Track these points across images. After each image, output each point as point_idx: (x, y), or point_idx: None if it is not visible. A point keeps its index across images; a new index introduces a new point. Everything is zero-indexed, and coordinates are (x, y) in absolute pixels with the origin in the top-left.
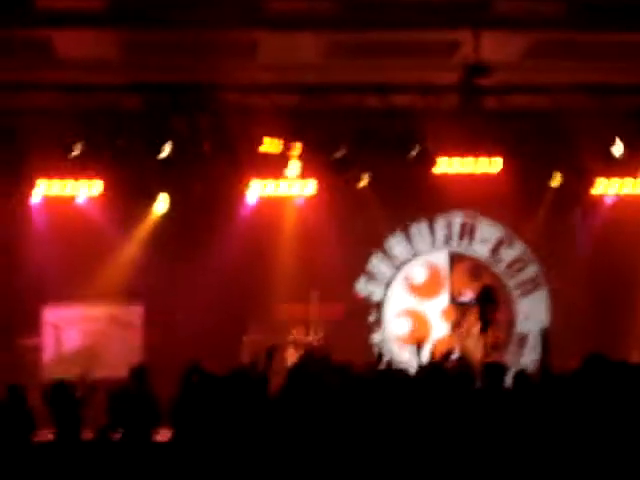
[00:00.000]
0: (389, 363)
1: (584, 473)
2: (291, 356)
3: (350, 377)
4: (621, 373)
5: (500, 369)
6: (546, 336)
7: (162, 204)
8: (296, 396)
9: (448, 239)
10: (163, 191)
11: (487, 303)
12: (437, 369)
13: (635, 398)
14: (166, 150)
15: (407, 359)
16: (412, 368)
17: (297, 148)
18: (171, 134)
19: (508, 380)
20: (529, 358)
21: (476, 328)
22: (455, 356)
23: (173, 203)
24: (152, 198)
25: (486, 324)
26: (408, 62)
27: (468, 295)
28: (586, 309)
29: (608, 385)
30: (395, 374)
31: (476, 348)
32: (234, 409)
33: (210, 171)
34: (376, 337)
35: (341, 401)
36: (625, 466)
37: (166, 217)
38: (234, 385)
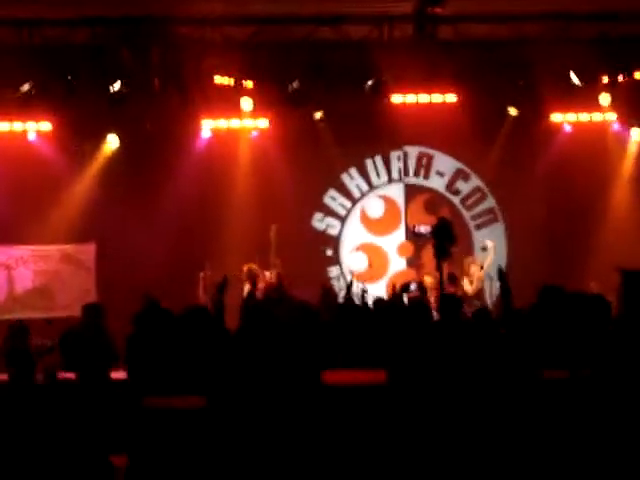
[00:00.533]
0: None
1: (541, 404)
2: (247, 291)
3: (308, 311)
4: (576, 303)
5: (456, 301)
6: (503, 275)
7: (113, 141)
8: (250, 331)
9: (404, 173)
10: (114, 128)
11: (443, 236)
12: (395, 302)
13: (592, 328)
14: (116, 86)
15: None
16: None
17: (250, 82)
18: (122, 70)
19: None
20: (488, 289)
21: (433, 261)
22: (413, 288)
23: (124, 140)
24: (103, 135)
25: (442, 257)
26: None
27: (424, 228)
28: (544, 241)
29: (564, 316)
30: (354, 308)
31: (433, 281)
32: (189, 346)
33: (162, 107)
34: (333, 271)
35: (298, 336)
36: (580, 393)
37: (118, 154)
38: (189, 322)
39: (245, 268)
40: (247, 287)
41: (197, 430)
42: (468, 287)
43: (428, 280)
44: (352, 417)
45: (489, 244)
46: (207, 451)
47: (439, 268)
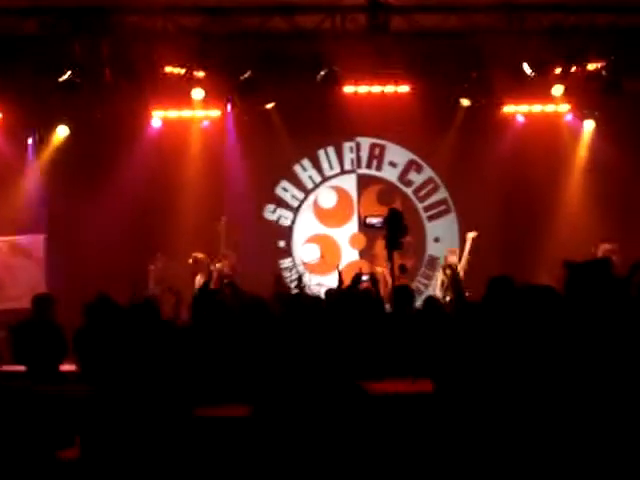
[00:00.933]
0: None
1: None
2: (199, 283)
3: (258, 304)
4: (526, 295)
5: (408, 292)
6: (455, 272)
7: (63, 132)
8: (201, 324)
9: (356, 164)
10: (64, 118)
11: (394, 227)
12: (347, 293)
13: (541, 319)
14: (65, 76)
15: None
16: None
17: (201, 72)
18: (72, 60)
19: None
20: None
21: (385, 252)
22: (365, 279)
23: (75, 130)
24: (53, 125)
25: (393, 248)
26: None
27: (375, 219)
28: (496, 232)
29: (513, 307)
30: (306, 299)
31: (385, 272)
32: (139, 340)
33: (112, 97)
34: (285, 263)
35: (249, 327)
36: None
37: (68, 144)
38: (138, 315)
39: (191, 259)
40: (199, 278)
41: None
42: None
43: (380, 271)
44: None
45: (469, 235)
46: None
47: (390, 259)
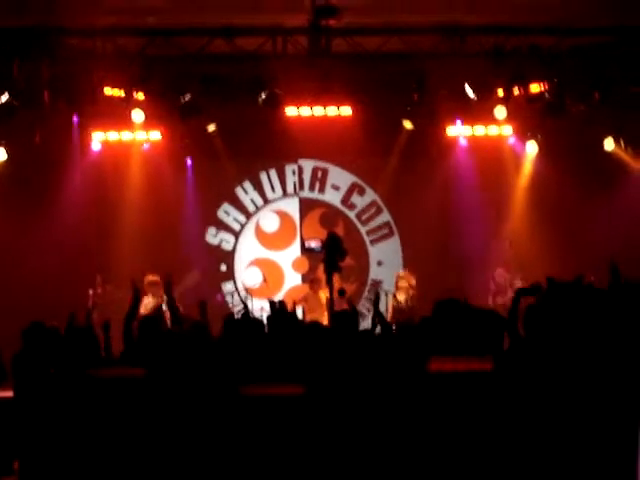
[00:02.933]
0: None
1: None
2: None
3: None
4: (472, 317)
5: (346, 316)
6: (378, 299)
7: (1, 155)
8: (141, 352)
9: (299, 187)
10: (2, 142)
11: (333, 250)
12: (289, 319)
13: (486, 342)
14: (3, 98)
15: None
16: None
17: (141, 93)
18: (10, 82)
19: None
20: (384, 305)
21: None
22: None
23: (12, 153)
24: None
25: (332, 271)
26: (255, 3)
27: (314, 243)
28: (439, 255)
29: (458, 330)
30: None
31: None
32: (75, 364)
33: (51, 119)
34: (227, 286)
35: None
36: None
37: (5, 168)
38: (74, 340)
39: (148, 279)
40: (149, 301)
41: None
42: (401, 298)
43: (322, 295)
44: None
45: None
46: None
47: (329, 282)
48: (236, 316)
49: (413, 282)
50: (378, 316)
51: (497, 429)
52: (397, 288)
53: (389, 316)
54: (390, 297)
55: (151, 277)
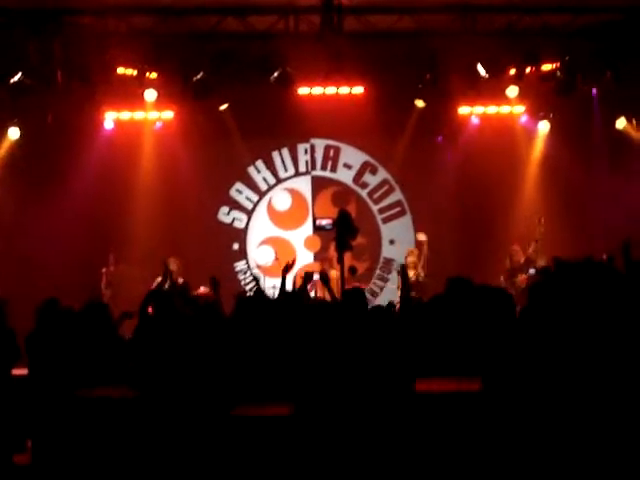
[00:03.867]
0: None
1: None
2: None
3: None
4: (483, 296)
5: (357, 294)
6: (405, 272)
7: (14, 134)
8: (150, 330)
9: (311, 165)
10: (15, 120)
11: (344, 229)
12: (298, 295)
13: (497, 320)
14: (17, 77)
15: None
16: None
17: (154, 73)
18: (24, 61)
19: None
20: (396, 283)
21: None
22: (316, 277)
23: (26, 132)
24: (4, 127)
25: (343, 249)
26: None
27: (325, 222)
28: (451, 234)
29: (470, 307)
30: (258, 300)
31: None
32: (90, 343)
33: (64, 99)
34: (240, 265)
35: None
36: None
37: (19, 146)
38: (88, 319)
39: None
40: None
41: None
42: (410, 274)
43: (334, 274)
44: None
45: (422, 237)
46: None
47: (340, 261)
48: (248, 294)
49: (418, 257)
50: (406, 291)
51: (487, 448)
52: (407, 264)
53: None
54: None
55: (175, 259)
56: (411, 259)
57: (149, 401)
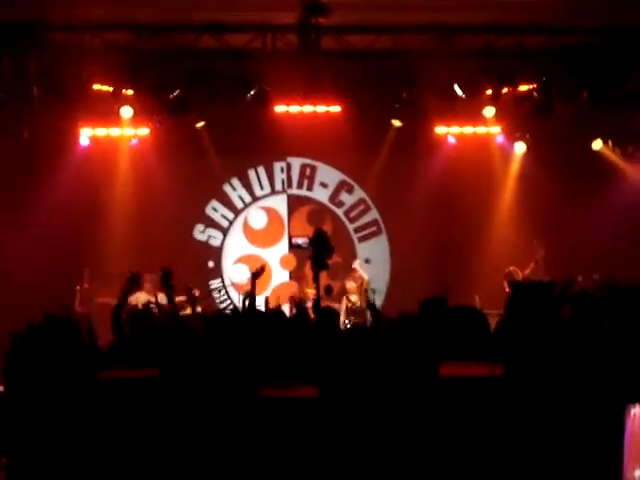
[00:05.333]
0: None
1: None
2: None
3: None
4: (459, 316)
5: (330, 313)
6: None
7: None
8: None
9: (287, 184)
10: None
11: (320, 247)
12: (275, 315)
13: (472, 342)
14: None
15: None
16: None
17: (130, 89)
18: None
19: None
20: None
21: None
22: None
23: (1, 147)
24: None
25: (319, 268)
26: (245, 0)
27: (302, 240)
28: (427, 253)
29: (444, 328)
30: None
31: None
32: (61, 359)
33: (39, 115)
34: (215, 283)
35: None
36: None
37: None
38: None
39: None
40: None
41: None
42: (354, 299)
43: (310, 293)
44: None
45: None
46: None
47: (316, 280)
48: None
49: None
50: (374, 313)
51: (504, 434)
52: (347, 290)
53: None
54: (376, 295)
55: (150, 275)
56: (350, 285)
57: (172, 381)
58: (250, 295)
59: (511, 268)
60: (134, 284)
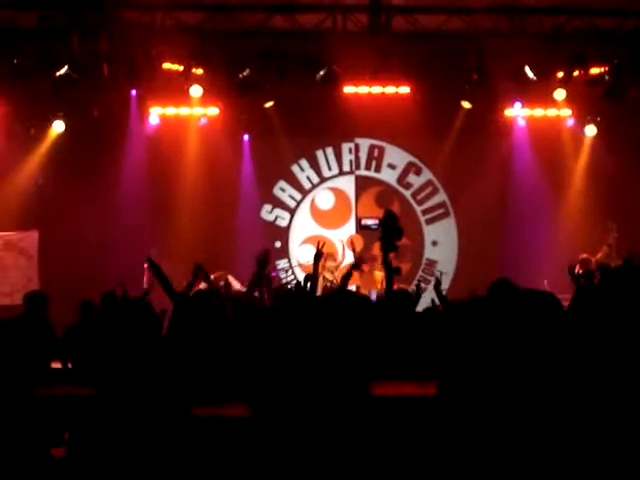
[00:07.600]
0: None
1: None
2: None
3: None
4: (527, 299)
5: (404, 296)
6: (439, 284)
7: (59, 127)
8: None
9: (355, 165)
10: (61, 113)
11: (390, 229)
12: (341, 293)
13: (539, 323)
14: (62, 71)
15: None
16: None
17: (200, 69)
18: (69, 55)
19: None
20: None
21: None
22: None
23: (71, 125)
24: (49, 120)
25: (388, 250)
26: None
27: (371, 221)
28: (495, 236)
29: (513, 310)
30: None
31: (380, 275)
32: (130, 336)
33: (109, 93)
34: (282, 263)
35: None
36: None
37: (63, 140)
38: (132, 312)
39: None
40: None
41: None
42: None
43: (378, 275)
44: None
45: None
46: None
47: (385, 261)
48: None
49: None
50: (441, 300)
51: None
52: (325, 268)
53: None
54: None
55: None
56: (330, 263)
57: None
58: (312, 276)
59: (584, 255)
60: (199, 276)
